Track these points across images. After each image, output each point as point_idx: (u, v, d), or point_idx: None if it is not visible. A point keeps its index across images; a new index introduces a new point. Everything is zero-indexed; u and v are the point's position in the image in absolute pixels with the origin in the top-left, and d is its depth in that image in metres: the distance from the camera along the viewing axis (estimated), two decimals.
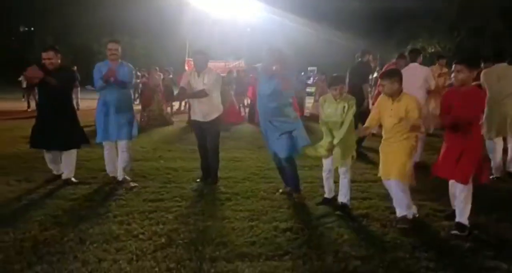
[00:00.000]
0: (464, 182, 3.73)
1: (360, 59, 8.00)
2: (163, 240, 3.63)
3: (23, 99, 17.34)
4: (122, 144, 5.28)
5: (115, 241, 3.60)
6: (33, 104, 16.10)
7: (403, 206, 3.93)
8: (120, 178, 5.31)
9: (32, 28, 41.18)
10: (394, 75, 3.94)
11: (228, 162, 6.36)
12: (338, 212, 4.30)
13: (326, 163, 4.54)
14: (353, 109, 4.30)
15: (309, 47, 33.16)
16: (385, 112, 3.99)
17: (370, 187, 5.20)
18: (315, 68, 30.94)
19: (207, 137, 5.29)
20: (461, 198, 3.78)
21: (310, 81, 21.97)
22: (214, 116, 5.25)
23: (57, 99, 5.14)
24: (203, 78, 5.13)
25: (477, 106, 3.82)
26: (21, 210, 4.36)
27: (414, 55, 6.70)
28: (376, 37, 29.83)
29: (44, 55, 5.10)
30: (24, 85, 16.32)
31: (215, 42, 27.15)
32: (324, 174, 4.60)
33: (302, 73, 24.92)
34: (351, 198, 4.47)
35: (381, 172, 4.06)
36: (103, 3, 33.40)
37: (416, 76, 6.18)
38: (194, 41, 21.62)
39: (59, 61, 5.19)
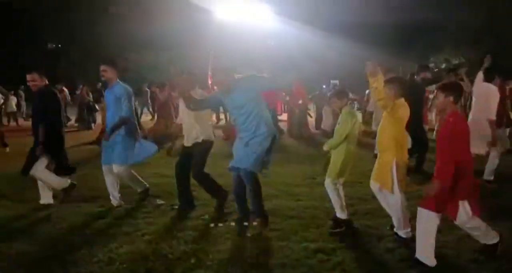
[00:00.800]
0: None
1: (415, 77, 7.19)
2: (192, 260, 3.58)
3: None
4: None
5: (144, 261, 3.57)
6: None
7: None
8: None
9: (60, 45, 42.34)
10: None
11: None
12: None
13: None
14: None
15: (331, 60, 33.14)
16: None
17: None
18: (337, 81, 30.79)
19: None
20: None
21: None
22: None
23: (34, 122, 5.13)
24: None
25: None
26: (49, 228, 4.38)
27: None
28: (397, 49, 29.62)
29: (28, 77, 5.00)
30: None
31: (238, 55, 27.32)
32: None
33: (324, 86, 24.82)
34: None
35: None
36: (128, 20, 34.13)
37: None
38: (217, 55, 21.80)
39: (45, 83, 5.09)
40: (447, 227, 3.81)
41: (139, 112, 15.78)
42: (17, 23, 35.10)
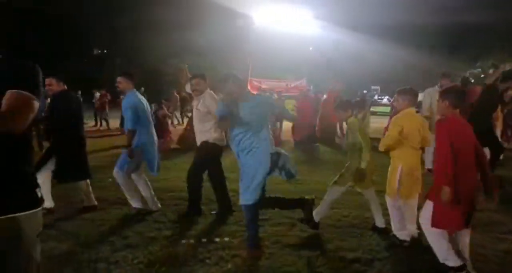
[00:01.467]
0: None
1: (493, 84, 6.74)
2: (229, 265, 3.64)
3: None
4: None
5: (183, 265, 3.66)
6: (104, 123, 17.12)
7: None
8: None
9: (105, 51, 43.91)
10: None
11: (289, 185, 6.23)
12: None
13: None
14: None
15: (372, 65, 32.59)
16: None
17: None
18: (378, 87, 30.24)
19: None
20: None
21: (374, 100, 21.45)
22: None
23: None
24: (198, 103, 5.03)
25: None
26: (94, 230, 4.57)
27: None
28: (441, 53, 28.64)
29: (46, 80, 5.13)
30: (97, 105, 17.31)
31: (277, 61, 27.42)
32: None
33: (365, 92, 24.48)
34: None
35: None
36: (169, 26, 34.95)
37: None
38: (257, 60, 21.97)
39: (62, 88, 5.23)
40: (489, 241, 3.70)
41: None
42: (64, 29, 36.67)
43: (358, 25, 31.21)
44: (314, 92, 15.25)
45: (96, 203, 5.41)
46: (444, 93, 3.50)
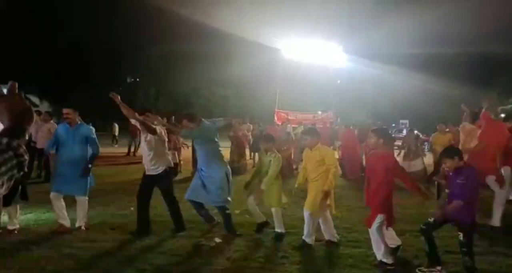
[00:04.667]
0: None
1: None
2: None
3: (115, 145, 18.96)
4: None
5: None
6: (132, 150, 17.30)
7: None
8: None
9: (138, 79, 45.31)
10: None
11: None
12: None
13: None
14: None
15: (400, 97, 32.24)
16: None
17: None
18: (407, 121, 29.67)
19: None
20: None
21: (401, 135, 21.12)
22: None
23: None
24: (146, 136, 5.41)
25: None
26: (163, 258, 4.60)
27: None
28: (475, 86, 27.80)
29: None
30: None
31: (305, 93, 27.62)
32: None
33: (393, 125, 24.20)
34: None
35: None
36: (201, 58, 35.96)
37: None
38: (284, 93, 22.16)
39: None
40: None
41: None
42: (100, 58, 38.19)
43: (387, 57, 31.12)
44: (340, 124, 15.20)
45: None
46: (378, 132, 4.50)
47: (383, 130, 4.87)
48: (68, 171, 5.44)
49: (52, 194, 5.48)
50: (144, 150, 5.49)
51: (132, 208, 6.23)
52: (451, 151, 4.22)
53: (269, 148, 5.50)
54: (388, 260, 4.19)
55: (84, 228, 5.54)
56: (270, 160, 5.36)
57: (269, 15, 31.68)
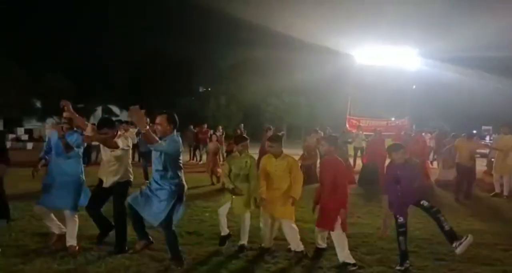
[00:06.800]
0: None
1: None
2: None
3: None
4: None
5: None
6: (198, 157, 17.48)
7: None
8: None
9: (209, 89, 46.63)
10: None
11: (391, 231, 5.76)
12: None
13: None
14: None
15: (482, 102, 30.29)
16: None
17: None
18: (490, 127, 27.73)
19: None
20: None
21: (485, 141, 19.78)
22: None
23: None
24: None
25: None
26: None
27: None
28: None
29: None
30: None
31: (378, 99, 26.81)
32: None
33: (474, 131, 22.72)
34: None
35: None
36: (272, 66, 36.31)
37: None
38: (357, 99, 21.68)
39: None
40: None
41: None
42: (174, 69, 40.00)
43: (466, 60, 29.39)
44: (417, 131, 14.50)
45: None
46: (328, 140, 5.05)
47: (333, 138, 5.48)
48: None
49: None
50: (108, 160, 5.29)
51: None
52: None
53: (244, 149, 5.32)
54: (351, 260, 4.51)
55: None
56: (246, 161, 5.21)
57: (341, 21, 31.30)
